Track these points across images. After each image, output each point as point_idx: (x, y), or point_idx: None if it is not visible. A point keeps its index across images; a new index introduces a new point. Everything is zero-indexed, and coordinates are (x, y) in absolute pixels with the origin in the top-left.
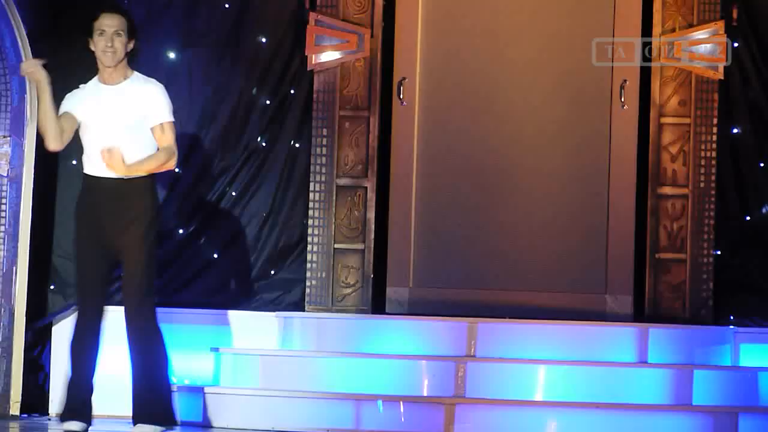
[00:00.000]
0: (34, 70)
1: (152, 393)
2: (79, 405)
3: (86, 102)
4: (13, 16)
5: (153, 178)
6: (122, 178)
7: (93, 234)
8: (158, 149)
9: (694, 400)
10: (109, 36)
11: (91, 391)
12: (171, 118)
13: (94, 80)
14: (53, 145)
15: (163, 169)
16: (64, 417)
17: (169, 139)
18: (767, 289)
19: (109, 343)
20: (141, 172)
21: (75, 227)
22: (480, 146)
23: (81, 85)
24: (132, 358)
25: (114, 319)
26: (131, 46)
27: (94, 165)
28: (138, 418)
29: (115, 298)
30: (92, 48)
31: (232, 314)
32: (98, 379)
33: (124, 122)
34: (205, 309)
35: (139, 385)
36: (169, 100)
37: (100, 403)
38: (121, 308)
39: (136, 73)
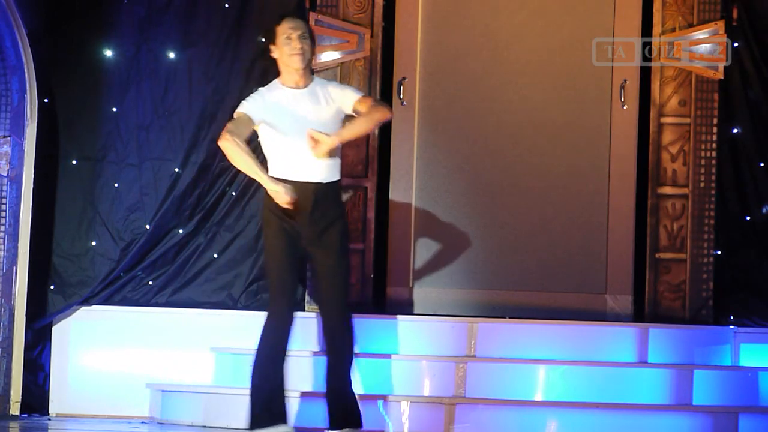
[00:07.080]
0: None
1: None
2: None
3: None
4: (13, 16)
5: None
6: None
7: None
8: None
9: (694, 400)
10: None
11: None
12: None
13: (277, 85)
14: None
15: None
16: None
17: (369, 102)
18: (767, 289)
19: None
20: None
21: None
22: (480, 146)
23: (260, 90)
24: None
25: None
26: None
27: (290, 169)
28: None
29: (115, 298)
30: (274, 55)
31: (232, 314)
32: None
33: (322, 121)
34: (205, 309)
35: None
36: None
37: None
38: (118, 308)
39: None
